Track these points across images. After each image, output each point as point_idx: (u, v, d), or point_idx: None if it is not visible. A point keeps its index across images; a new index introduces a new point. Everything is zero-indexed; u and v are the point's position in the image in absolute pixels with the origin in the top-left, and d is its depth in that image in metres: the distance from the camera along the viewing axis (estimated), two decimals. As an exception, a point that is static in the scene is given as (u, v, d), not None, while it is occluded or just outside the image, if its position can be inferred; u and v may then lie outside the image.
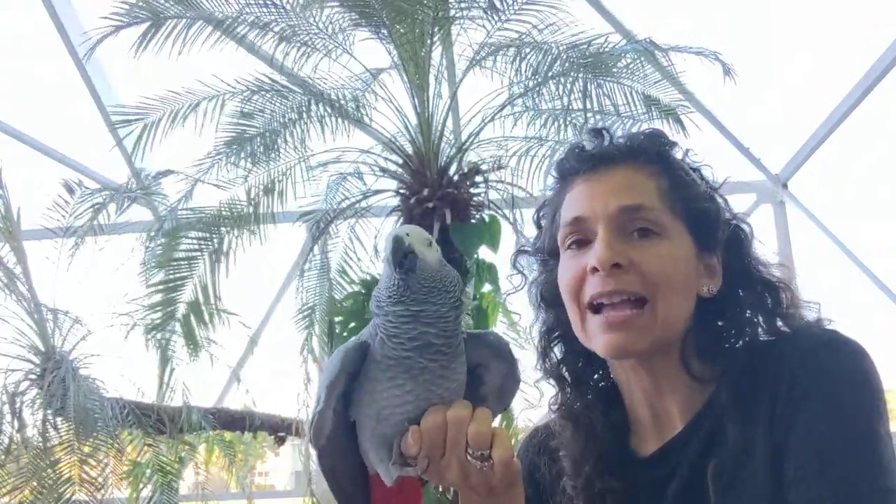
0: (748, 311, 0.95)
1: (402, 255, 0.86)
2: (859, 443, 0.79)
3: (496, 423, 0.91)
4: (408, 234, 0.87)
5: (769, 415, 0.85)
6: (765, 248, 1.00)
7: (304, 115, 4.33)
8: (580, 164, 0.99)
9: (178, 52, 3.94)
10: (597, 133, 1.01)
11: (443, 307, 0.87)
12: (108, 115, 4.69)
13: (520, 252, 1.10)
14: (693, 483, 0.88)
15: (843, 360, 0.84)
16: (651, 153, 0.97)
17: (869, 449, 0.79)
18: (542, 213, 1.09)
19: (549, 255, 1.04)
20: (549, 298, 1.05)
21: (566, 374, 1.05)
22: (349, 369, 0.89)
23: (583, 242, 0.96)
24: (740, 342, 0.95)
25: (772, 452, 0.83)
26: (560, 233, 0.99)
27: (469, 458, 0.84)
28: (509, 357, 0.96)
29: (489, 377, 0.96)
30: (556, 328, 1.05)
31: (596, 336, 0.93)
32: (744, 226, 1.00)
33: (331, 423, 0.91)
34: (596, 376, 1.05)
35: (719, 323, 0.96)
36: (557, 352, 1.05)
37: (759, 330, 0.95)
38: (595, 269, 0.91)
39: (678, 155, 1.00)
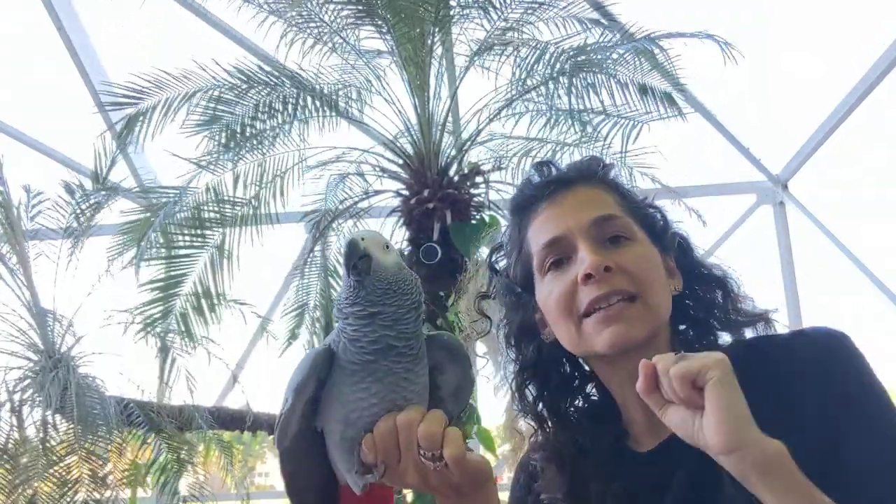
0: (708, 305, 1.01)
1: (356, 258, 0.88)
2: (879, 406, 0.85)
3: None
4: (363, 238, 0.89)
5: (779, 404, 0.86)
6: (700, 250, 1.06)
7: (303, 113, 4.33)
8: (541, 191, 1.04)
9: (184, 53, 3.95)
10: (542, 166, 1.07)
11: (400, 309, 0.89)
12: (107, 115, 4.68)
13: (483, 297, 1.13)
14: (700, 475, 0.89)
15: (852, 352, 0.89)
16: (599, 173, 1.05)
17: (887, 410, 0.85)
18: (497, 257, 1.12)
19: (522, 289, 1.06)
20: (528, 331, 1.06)
21: (547, 407, 1.05)
22: (318, 374, 0.90)
23: (561, 262, 0.99)
24: (713, 334, 1.00)
25: (784, 438, 0.84)
26: (535, 259, 1.02)
27: (422, 459, 0.85)
28: (464, 358, 0.98)
29: (444, 379, 0.97)
30: (538, 360, 1.06)
31: (595, 335, 0.95)
32: (682, 233, 1.06)
33: (296, 426, 0.92)
34: (580, 403, 1.07)
35: (694, 319, 1.02)
36: (537, 385, 1.06)
37: (726, 323, 1.00)
38: (587, 277, 0.94)
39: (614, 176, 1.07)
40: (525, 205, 1.05)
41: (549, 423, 1.05)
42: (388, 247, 0.92)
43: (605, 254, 0.95)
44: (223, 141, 4.19)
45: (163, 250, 4.35)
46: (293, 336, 4.88)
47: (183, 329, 4.37)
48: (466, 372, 0.99)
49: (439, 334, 0.98)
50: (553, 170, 1.06)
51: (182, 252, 4.41)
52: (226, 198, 4.42)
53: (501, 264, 1.11)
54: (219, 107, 4.16)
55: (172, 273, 4.38)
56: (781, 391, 0.87)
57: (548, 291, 1.00)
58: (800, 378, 0.87)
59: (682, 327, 1.02)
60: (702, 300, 1.01)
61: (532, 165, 1.09)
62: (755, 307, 1.00)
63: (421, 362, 0.91)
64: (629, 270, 0.94)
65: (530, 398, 1.06)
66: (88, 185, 4.56)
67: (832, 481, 0.81)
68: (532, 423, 1.07)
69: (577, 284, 0.95)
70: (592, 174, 1.04)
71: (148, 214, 4.33)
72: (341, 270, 0.94)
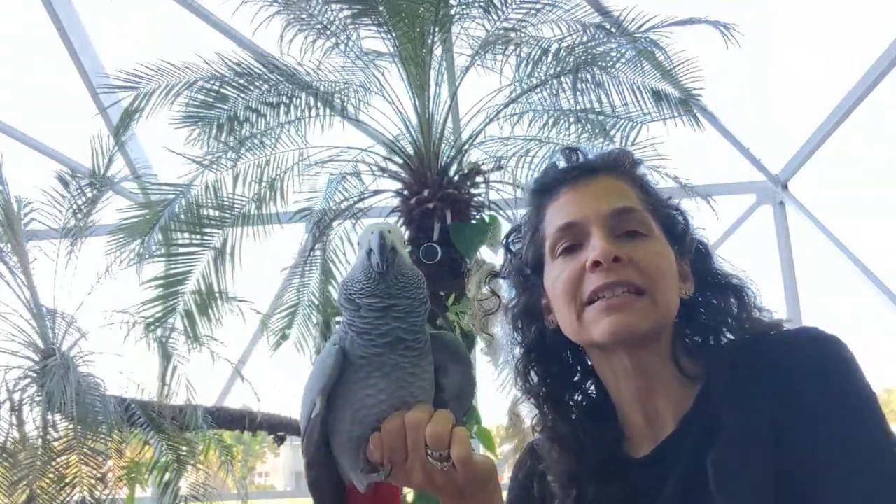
0: (721, 314, 1.00)
1: (388, 251, 0.88)
2: (874, 425, 0.84)
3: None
4: (389, 231, 0.90)
5: (773, 408, 0.87)
6: (722, 260, 1.05)
7: (303, 112, 4.33)
8: (564, 174, 1.03)
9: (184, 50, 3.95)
10: (570, 151, 1.07)
11: (414, 302, 0.90)
12: (107, 116, 4.69)
13: (495, 275, 1.13)
14: (691, 478, 0.89)
15: (836, 351, 0.88)
16: (625, 167, 1.03)
17: (882, 430, 0.84)
18: (514, 237, 1.12)
19: (532, 271, 1.06)
20: (532, 315, 1.06)
21: (549, 395, 1.05)
22: (337, 372, 0.90)
23: (574, 247, 0.98)
24: (721, 340, 0.99)
25: (776, 436, 0.85)
26: (548, 241, 1.01)
27: (429, 459, 0.85)
28: (465, 359, 0.98)
29: (448, 380, 0.97)
30: (540, 345, 1.05)
31: (595, 323, 0.94)
32: (701, 238, 1.05)
33: (320, 428, 0.92)
34: (580, 393, 1.06)
35: (699, 323, 1.01)
36: (539, 371, 1.06)
37: (735, 331, 0.99)
38: (595, 265, 0.93)
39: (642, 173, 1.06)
40: (546, 188, 1.04)
41: (552, 408, 1.05)
42: (404, 242, 0.94)
43: (617, 244, 0.94)
44: (215, 133, 4.17)
45: (163, 248, 4.35)
46: (284, 336, 4.88)
47: (188, 326, 4.37)
48: (468, 373, 0.98)
49: (442, 334, 0.97)
50: (580, 156, 1.05)
51: (183, 250, 4.41)
52: (226, 196, 4.42)
53: (517, 246, 1.11)
54: (216, 104, 4.15)
55: (172, 271, 4.39)
56: (773, 391, 0.87)
57: (555, 275, 0.99)
58: (789, 379, 0.87)
59: (688, 331, 1.01)
60: (715, 308, 1.00)
61: (559, 150, 1.09)
62: (771, 318, 0.98)
63: (426, 358, 0.91)
64: (640, 264, 0.93)
65: (533, 382, 1.06)
66: (85, 179, 4.55)
67: (812, 487, 0.82)
68: (534, 405, 1.07)
69: (585, 271, 0.95)
70: (618, 166, 1.03)
71: (147, 212, 4.33)
72: (352, 263, 0.94)
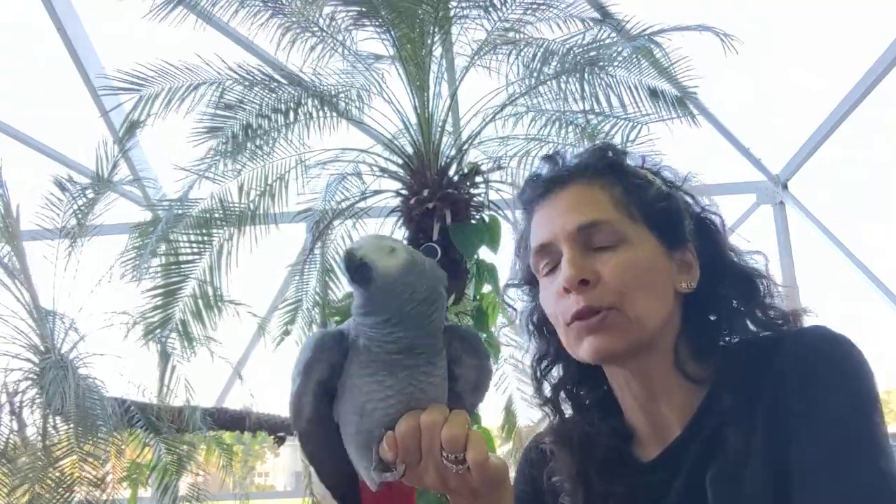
0: (733, 303, 0.98)
1: (354, 268, 0.85)
2: (861, 428, 0.83)
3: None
4: (360, 247, 0.87)
5: (769, 412, 0.86)
6: (741, 238, 1.04)
7: (303, 112, 4.32)
8: (534, 191, 1.03)
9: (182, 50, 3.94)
10: (550, 159, 1.05)
11: (420, 306, 0.87)
12: (108, 118, 4.68)
13: (508, 286, 1.13)
14: (694, 487, 0.89)
15: (840, 354, 0.87)
16: (599, 166, 1.01)
17: (870, 434, 0.82)
18: (519, 246, 1.12)
19: (529, 284, 1.08)
20: (536, 325, 1.08)
21: (560, 398, 1.07)
22: (328, 356, 0.89)
23: (554, 266, 0.99)
24: (734, 338, 0.97)
25: (771, 449, 0.84)
26: (532, 262, 1.02)
27: (444, 461, 0.85)
28: (481, 350, 0.97)
29: (463, 371, 0.96)
30: (547, 352, 1.07)
31: (578, 344, 0.96)
32: (713, 217, 1.02)
33: (310, 409, 0.91)
34: (591, 393, 1.07)
35: (709, 318, 0.99)
36: (550, 377, 1.08)
37: (747, 322, 0.97)
38: (566, 290, 0.94)
39: (632, 162, 1.03)
40: (527, 201, 1.05)
41: (560, 409, 1.06)
42: (392, 251, 0.87)
43: (587, 263, 0.94)
44: (229, 148, 4.16)
45: (167, 257, 4.34)
46: (286, 332, 4.88)
47: (182, 332, 4.36)
48: (484, 364, 0.97)
49: (457, 326, 0.96)
50: (561, 161, 1.04)
51: (184, 256, 4.40)
52: (230, 203, 4.41)
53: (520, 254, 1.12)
54: (218, 112, 4.15)
55: (173, 279, 4.37)
56: (774, 394, 0.87)
57: (544, 295, 1.01)
58: (790, 381, 0.86)
59: (712, 318, 0.98)
60: (722, 295, 0.98)
61: (541, 157, 1.08)
62: (784, 308, 0.97)
63: (439, 355, 0.90)
64: (609, 281, 0.93)
65: (545, 377, 1.07)
66: (82, 181, 4.55)
67: (794, 483, 0.82)
68: (545, 400, 1.08)
69: (562, 294, 0.96)
70: (588, 169, 1.00)
71: (152, 221, 4.33)
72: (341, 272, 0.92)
